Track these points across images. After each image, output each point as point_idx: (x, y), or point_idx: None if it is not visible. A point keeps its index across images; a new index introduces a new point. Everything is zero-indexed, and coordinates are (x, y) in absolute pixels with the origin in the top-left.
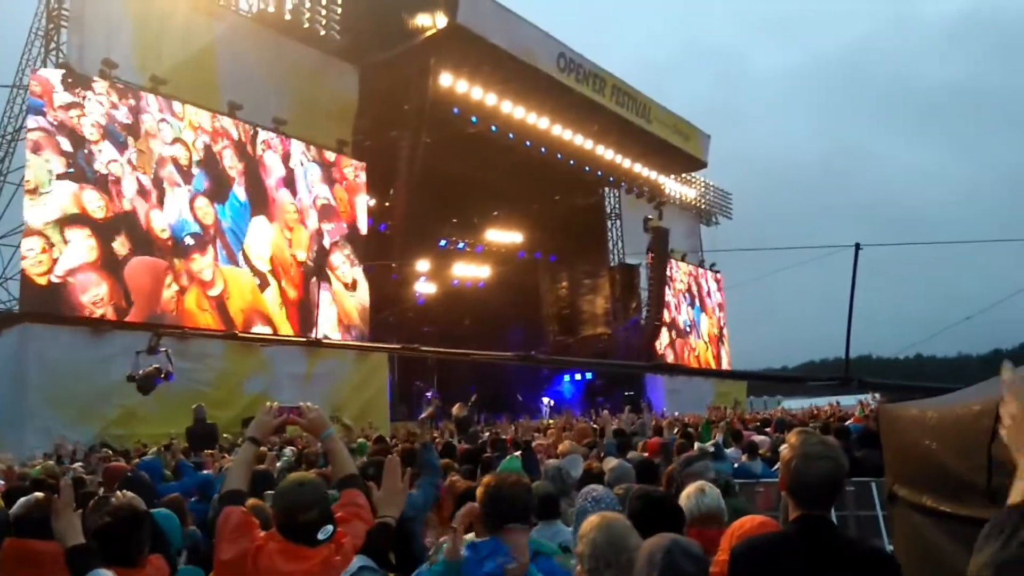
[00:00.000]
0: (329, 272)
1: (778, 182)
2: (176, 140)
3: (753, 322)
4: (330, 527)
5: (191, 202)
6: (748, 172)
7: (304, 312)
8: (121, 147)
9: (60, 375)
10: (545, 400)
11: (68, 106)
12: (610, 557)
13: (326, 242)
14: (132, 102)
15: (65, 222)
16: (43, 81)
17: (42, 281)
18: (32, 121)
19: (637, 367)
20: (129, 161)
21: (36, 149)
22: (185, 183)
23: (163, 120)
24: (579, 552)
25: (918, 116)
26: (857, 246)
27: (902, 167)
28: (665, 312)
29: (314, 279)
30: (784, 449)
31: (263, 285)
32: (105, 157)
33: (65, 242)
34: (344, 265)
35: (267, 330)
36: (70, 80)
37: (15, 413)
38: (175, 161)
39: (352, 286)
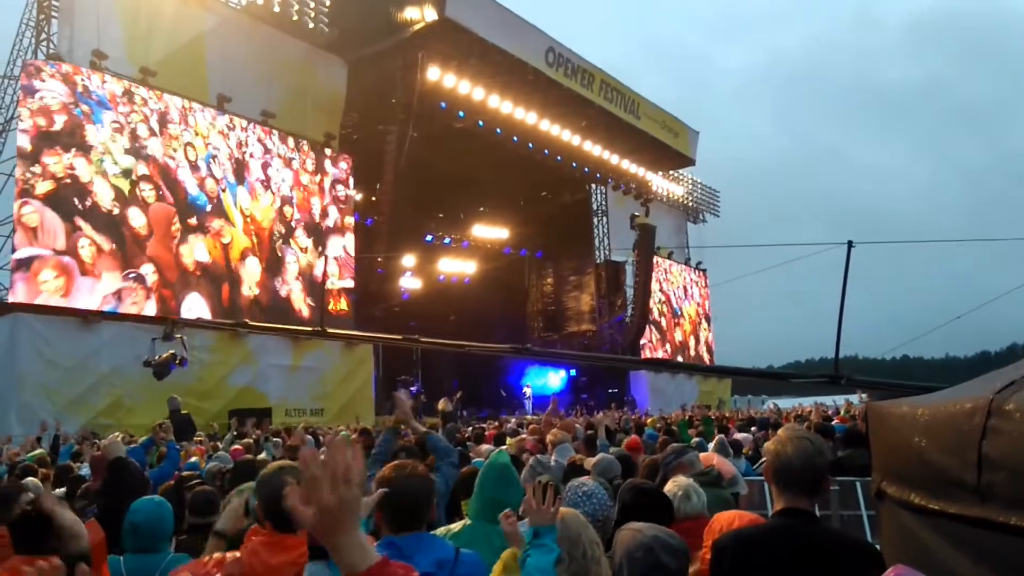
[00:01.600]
0: (292, 240)
1: (740, 183)
2: (189, 143)
3: (739, 322)
4: None
5: (201, 183)
6: (712, 172)
7: (273, 265)
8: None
9: (50, 365)
10: (526, 390)
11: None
12: (565, 553)
13: (292, 223)
14: (161, 108)
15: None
16: (110, 91)
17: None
18: (108, 115)
19: (632, 362)
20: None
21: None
22: (199, 170)
23: (184, 129)
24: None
25: (880, 116)
26: (850, 244)
27: (865, 166)
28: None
29: (280, 242)
30: (769, 443)
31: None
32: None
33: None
34: (302, 236)
35: (255, 262)
36: (124, 97)
37: (5, 402)
38: (193, 151)
39: (305, 250)
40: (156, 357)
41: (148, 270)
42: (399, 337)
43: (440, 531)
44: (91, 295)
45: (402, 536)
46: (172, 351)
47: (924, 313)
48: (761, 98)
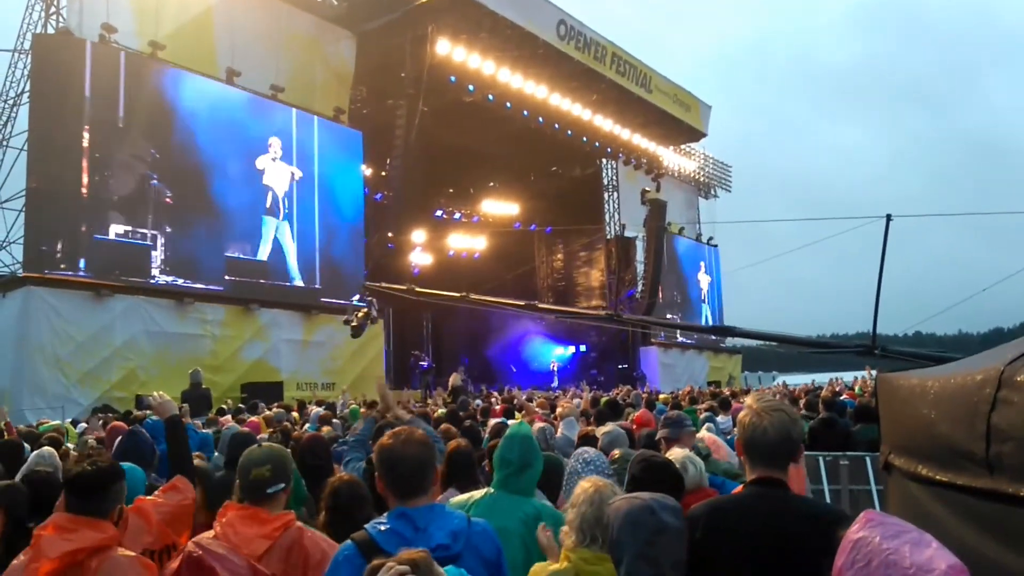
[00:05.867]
0: None
1: None
2: None
3: (751, 298)
4: (282, 483)
5: None
6: (725, 146)
7: None
8: None
9: (63, 338)
10: (553, 365)
11: None
12: (596, 532)
13: None
14: None
15: None
16: None
17: None
18: None
19: (708, 330)
20: None
21: None
22: None
23: None
24: (569, 520)
25: (831, 95)
26: (888, 217)
27: (823, 145)
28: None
29: None
30: (743, 414)
31: None
32: None
33: None
34: None
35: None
36: None
37: (19, 375)
38: None
39: None
40: (354, 316)
41: None
42: (522, 304)
43: (461, 499)
44: None
45: (414, 507)
46: (365, 309)
47: (935, 289)
48: (711, 81)
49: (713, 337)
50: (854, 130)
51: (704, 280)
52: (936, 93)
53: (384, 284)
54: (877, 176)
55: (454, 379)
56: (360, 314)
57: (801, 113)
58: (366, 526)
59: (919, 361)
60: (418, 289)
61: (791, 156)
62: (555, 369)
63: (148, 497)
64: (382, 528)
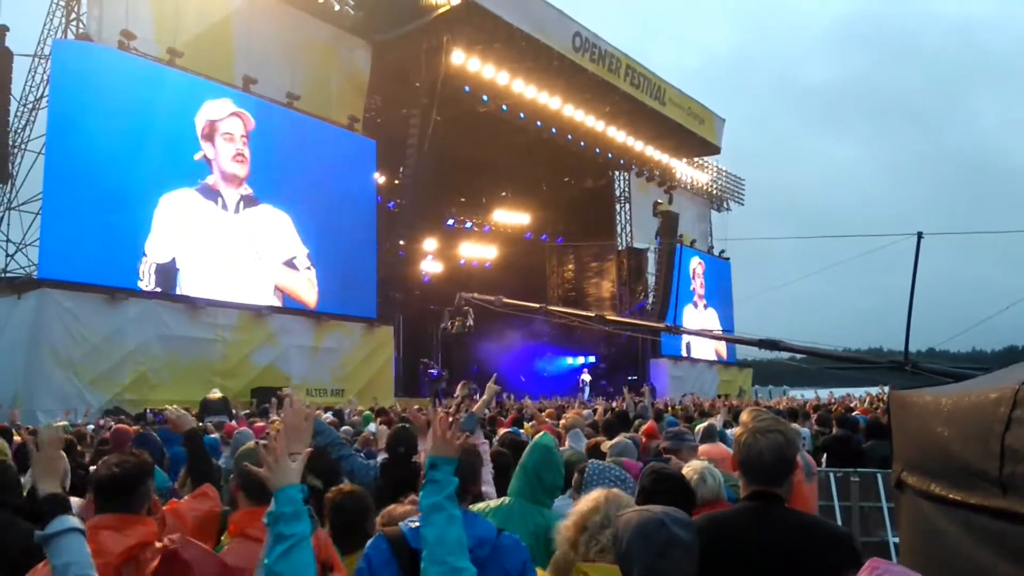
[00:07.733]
0: None
1: None
2: None
3: (760, 312)
4: None
5: None
6: (738, 160)
7: None
8: None
9: (76, 340)
10: (584, 377)
11: None
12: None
13: None
14: None
15: None
16: None
17: None
18: None
19: (754, 343)
20: None
21: None
22: None
23: None
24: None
25: (816, 114)
26: (919, 235)
27: (814, 164)
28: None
29: None
30: (739, 432)
31: None
32: None
33: None
34: None
35: None
36: None
37: (32, 376)
38: None
39: None
40: (451, 323)
41: None
42: (592, 315)
43: (479, 506)
44: None
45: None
46: (460, 318)
47: (950, 306)
48: (698, 93)
49: (719, 356)
50: (844, 148)
51: (713, 292)
52: (924, 113)
53: (476, 295)
54: (873, 194)
55: (462, 388)
56: (457, 321)
57: (788, 129)
58: (400, 524)
59: (949, 379)
60: (505, 300)
61: (782, 171)
62: (585, 383)
63: (181, 501)
64: (413, 526)
